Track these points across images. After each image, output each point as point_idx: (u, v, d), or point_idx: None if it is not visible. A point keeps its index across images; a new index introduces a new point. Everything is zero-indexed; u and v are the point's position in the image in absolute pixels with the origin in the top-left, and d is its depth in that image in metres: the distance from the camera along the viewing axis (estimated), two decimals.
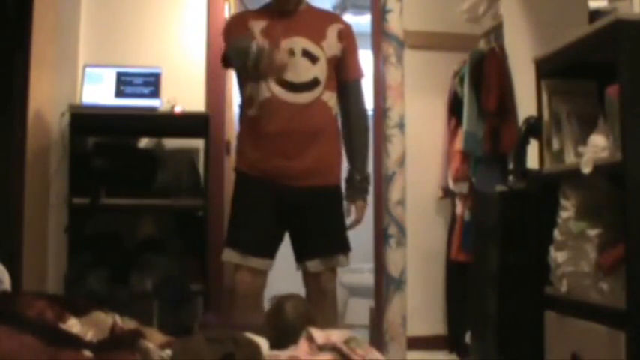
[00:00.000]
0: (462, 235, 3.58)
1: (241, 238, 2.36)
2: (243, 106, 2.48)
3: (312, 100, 2.37)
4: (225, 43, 2.50)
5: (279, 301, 1.90)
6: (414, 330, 3.10)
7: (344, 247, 2.45)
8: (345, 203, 2.51)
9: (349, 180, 2.54)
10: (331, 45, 2.43)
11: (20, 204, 2.72)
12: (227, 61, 2.50)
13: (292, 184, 2.36)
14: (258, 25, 2.41)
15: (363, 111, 2.58)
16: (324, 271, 2.41)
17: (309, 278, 2.43)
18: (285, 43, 2.37)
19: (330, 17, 2.57)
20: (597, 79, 2.25)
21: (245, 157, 2.44)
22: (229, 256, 2.36)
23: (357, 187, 2.51)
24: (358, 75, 2.55)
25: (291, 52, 2.36)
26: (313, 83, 2.37)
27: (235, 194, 2.45)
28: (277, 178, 2.36)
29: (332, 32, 2.44)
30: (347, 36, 2.48)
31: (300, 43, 2.38)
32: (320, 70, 2.38)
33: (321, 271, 2.40)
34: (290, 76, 2.34)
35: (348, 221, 2.51)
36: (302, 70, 2.36)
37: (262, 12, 2.50)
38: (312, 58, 2.38)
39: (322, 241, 2.40)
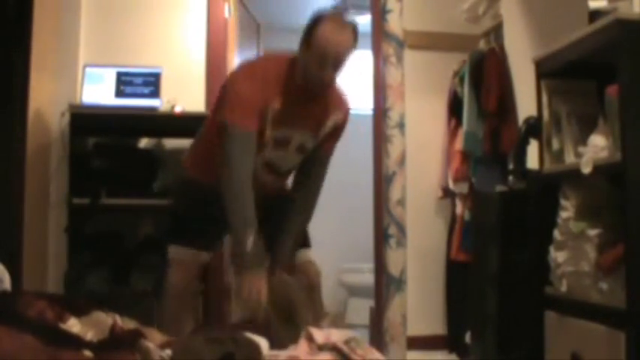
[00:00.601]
0: (462, 235, 3.58)
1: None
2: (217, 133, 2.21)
3: (282, 180, 2.41)
4: (231, 107, 2.13)
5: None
6: (414, 330, 3.10)
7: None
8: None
9: (283, 247, 2.27)
10: (323, 135, 2.28)
11: (20, 204, 2.72)
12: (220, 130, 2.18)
13: None
14: (273, 107, 2.14)
15: (319, 188, 2.34)
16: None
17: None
18: (284, 133, 2.20)
19: (336, 103, 2.28)
20: (597, 79, 2.25)
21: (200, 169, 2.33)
22: None
23: (284, 259, 2.25)
24: (329, 154, 2.35)
25: (287, 143, 2.22)
26: (293, 169, 2.36)
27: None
28: None
29: (330, 123, 2.27)
30: (339, 126, 2.31)
31: (300, 137, 2.22)
32: (304, 158, 2.32)
33: None
34: (277, 163, 2.27)
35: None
36: (290, 162, 2.30)
37: (290, 81, 2.15)
38: (303, 151, 2.27)
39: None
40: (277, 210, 2.31)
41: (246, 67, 2.29)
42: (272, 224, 2.26)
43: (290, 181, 2.45)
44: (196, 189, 2.34)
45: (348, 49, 2.09)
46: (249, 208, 2.06)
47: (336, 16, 2.13)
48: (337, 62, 2.08)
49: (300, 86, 2.13)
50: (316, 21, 2.09)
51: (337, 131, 2.32)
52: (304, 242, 2.37)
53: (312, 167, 2.32)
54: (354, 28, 2.11)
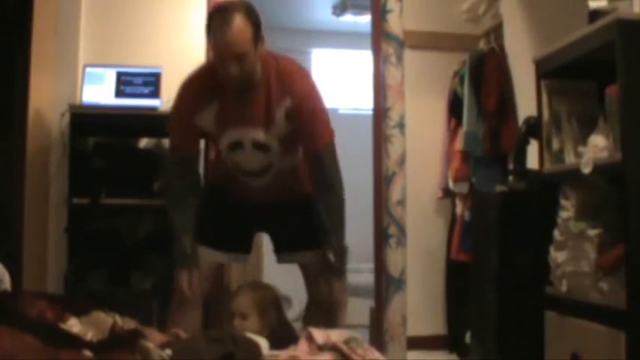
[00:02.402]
0: (462, 235, 3.58)
1: None
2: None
3: (271, 180, 2.27)
4: (172, 124, 2.24)
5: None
6: (414, 330, 3.10)
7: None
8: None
9: (323, 257, 2.21)
10: (279, 126, 2.14)
11: (20, 204, 2.72)
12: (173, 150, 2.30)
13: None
14: (209, 112, 2.13)
15: (333, 183, 2.20)
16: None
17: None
18: (233, 135, 2.15)
19: (281, 89, 2.12)
20: (597, 79, 2.25)
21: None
22: None
23: (332, 265, 2.18)
24: (317, 146, 2.17)
25: (240, 145, 2.16)
26: (266, 168, 2.24)
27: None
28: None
29: (279, 113, 2.12)
30: (297, 113, 2.13)
31: (249, 134, 2.14)
32: (273, 156, 2.20)
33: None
34: (242, 165, 2.22)
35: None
36: (254, 161, 2.20)
37: (218, 84, 2.09)
38: (264, 148, 2.17)
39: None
40: (302, 210, 2.28)
41: (179, 87, 2.25)
42: (299, 225, 2.28)
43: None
44: (215, 190, 2.37)
45: (238, 40, 1.97)
46: (186, 222, 2.18)
47: (223, 8, 2.02)
48: (235, 55, 1.98)
49: (230, 84, 2.07)
50: (208, 19, 2.05)
51: (299, 119, 2.13)
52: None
53: (309, 163, 2.23)
54: (246, 11, 2.00)
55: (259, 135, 2.15)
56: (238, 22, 1.97)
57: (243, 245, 2.38)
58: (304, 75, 2.20)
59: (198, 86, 2.17)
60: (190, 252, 2.17)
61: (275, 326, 2.03)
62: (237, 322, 1.97)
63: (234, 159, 2.22)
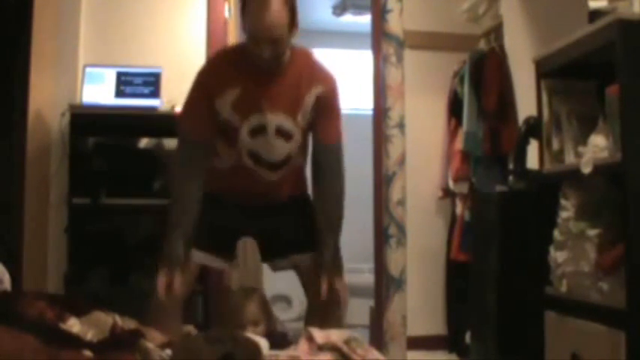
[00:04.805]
0: (462, 235, 3.58)
1: None
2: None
3: (282, 175, 2.21)
4: (189, 106, 2.16)
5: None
6: (414, 330, 3.10)
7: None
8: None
9: (318, 258, 2.18)
10: (306, 114, 2.13)
11: (20, 204, 2.72)
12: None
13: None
14: (230, 96, 2.07)
15: (338, 179, 2.21)
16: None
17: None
18: (257, 119, 2.09)
19: (313, 77, 2.13)
20: (597, 79, 2.25)
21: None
22: None
23: (330, 264, 2.15)
24: (332, 140, 2.19)
25: (263, 129, 2.10)
26: (286, 160, 2.18)
27: None
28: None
29: (309, 99, 2.11)
30: (325, 101, 2.14)
31: (275, 119, 2.09)
32: (294, 146, 2.16)
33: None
34: (264, 154, 2.14)
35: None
36: (275, 150, 2.14)
37: (240, 68, 2.07)
38: (287, 136, 2.12)
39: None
40: (296, 212, 2.25)
41: (199, 72, 2.18)
42: (293, 227, 2.23)
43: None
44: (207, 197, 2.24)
45: (276, 24, 1.95)
46: (181, 214, 2.10)
47: None
48: (271, 38, 1.96)
49: (257, 67, 2.04)
50: (243, 0, 2.01)
51: (325, 108, 2.14)
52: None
53: (319, 157, 2.20)
54: None
55: (285, 121, 2.11)
56: (277, 5, 1.95)
57: (230, 250, 2.33)
58: (329, 69, 2.22)
59: (220, 68, 2.14)
60: (178, 252, 2.05)
61: (275, 326, 2.04)
62: (251, 330, 1.93)
63: (254, 147, 2.13)
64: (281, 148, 2.14)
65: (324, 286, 2.11)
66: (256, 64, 2.04)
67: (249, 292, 2.16)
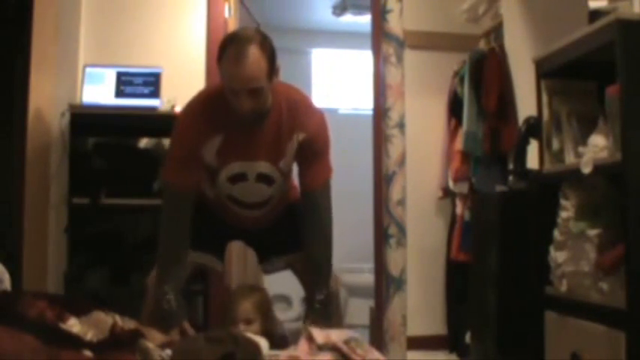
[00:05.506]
0: (462, 235, 3.58)
1: None
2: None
3: (266, 211, 2.20)
4: (173, 157, 2.09)
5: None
6: (414, 330, 3.10)
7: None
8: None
9: (309, 300, 2.15)
10: (288, 161, 2.09)
11: (20, 204, 2.72)
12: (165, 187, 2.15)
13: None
14: (214, 144, 2.01)
15: (325, 221, 2.16)
16: None
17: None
18: (238, 167, 2.06)
19: (295, 124, 2.04)
20: (597, 79, 2.25)
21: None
22: None
23: (318, 308, 2.10)
24: (317, 186, 2.12)
25: (243, 177, 2.07)
26: (268, 200, 2.16)
27: None
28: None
29: (292, 146, 2.05)
30: (309, 146, 2.07)
31: (256, 167, 2.06)
32: (276, 189, 2.14)
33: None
34: (243, 198, 2.13)
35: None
36: (256, 193, 2.12)
37: (223, 114, 1.97)
38: (268, 181, 2.10)
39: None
40: (285, 215, 2.25)
41: (180, 115, 2.11)
42: (283, 229, 2.23)
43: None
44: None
45: (254, 75, 1.85)
46: (171, 264, 2.05)
47: (237, 39, 1.87)
48: (248, 89, 1.86)
49: (239, 116, 1.94)
50: (220, 50, 1.89)
51: (309, 153, 2.07)
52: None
53: (305, 200, 2.15)
54: (261, 41, 1.87)
55: (266, 167, 2.07)
56: (254, 55, 1.84)
57: (223, 249, 2.34)
58: (316, 109, 2.12)
59: (203, 116, 2.03)
60: (175, 311, 1.98)
61: (274, 327, 2.04)
62: (243, 328, 1.95)
63: (233, 192, 2.12)
64: (262, 192, 2.13)
65: (315, 333, 1.93)
66: (238, 116, 1.95)
67: (247, 290, 2.16)
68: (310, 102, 2.14)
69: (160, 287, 2.02)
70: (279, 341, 1.95)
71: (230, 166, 2.06)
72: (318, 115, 2.11)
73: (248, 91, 1.87)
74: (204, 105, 2.05)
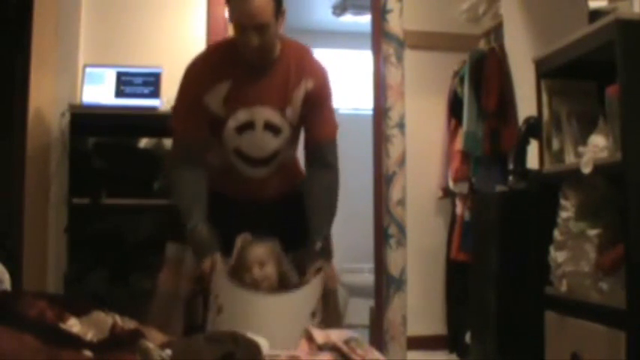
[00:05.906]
0: (462, 235, 3.58)
1: None
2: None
3: (270, 172, 2.19)
4: (179, 105, 2.16)
5: None
6: (414, 330, 3.10)
7: None
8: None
9: (308, 246, 2.14)
10: (295, 109, 2.11)
11: (20, 204, 2.72)
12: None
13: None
14: (221, 90, 2.05)
15: (329, 171, 2.18)
16: None
17: None
18: (245, 115, 2.07)
19: (302, 71, 2.10)
20: (597, 79, 2.25)
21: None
22: None
23: (317, 252, 2.12)
24: (323, 137, 2.17)
25: (251, 126, 2.08)
26: (274, 155, 2.16)
27: None
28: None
29: (298, 93, 2.09)
30: (315, 96, 2.12)
31: (263, 113, 2.08)
32: (282, 141, 2.14)
33: None
34: (250, 151, 2.13)
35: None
36: (262, 144, 2.12)
37: (230, 62, 2.06)
38: (275, 130, 2.10)
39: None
40: (290, 210, 2.23)
41: (188, 67, 2.16)
42: (289, 226, 2.20)
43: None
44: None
45: (261, 10, 1.92)
46: (192, 202, 2.07)
47: None
48: (256, 26, 1.93)
49: (247, 61, 2.02)
50: None
51: (316, 103, 2.12)
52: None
53: (311, 153, 2.18)
54: None
55: (273, 115, 2.09)
56: None
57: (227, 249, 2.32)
58: (321, 63, 2.19)
59: (209, 63, 2.11)
60: (207, 238, 2.03)
61: (288, 271, 2.08)
62: (256, 270, 1.99)
63: (240, 143, 2.11)
64: (269, 143, 2.13)
65: (312, 270, 2.07)
66: (246, 58, 2.02)
67: (257, 239, 2.11)
68: (314, 55, 2.19)
69: (188, 221, 2.04)
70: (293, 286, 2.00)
71: (237, 114, 2.08)
72: (323, 67, 2.18)
73: (255, 27, 1.93)
74: (210, 54, 2.16)
